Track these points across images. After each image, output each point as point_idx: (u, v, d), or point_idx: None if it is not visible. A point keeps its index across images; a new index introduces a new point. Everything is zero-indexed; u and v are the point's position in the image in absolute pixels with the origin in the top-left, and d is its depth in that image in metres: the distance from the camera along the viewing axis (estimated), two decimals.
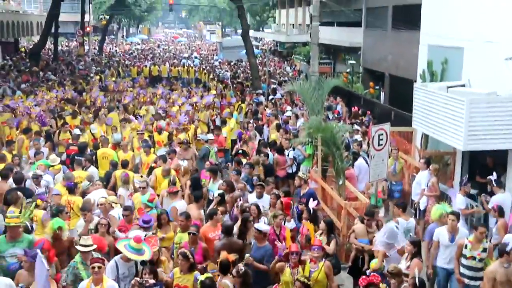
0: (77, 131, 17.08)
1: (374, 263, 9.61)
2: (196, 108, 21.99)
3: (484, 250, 9.41)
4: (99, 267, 7.80)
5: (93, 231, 9.94)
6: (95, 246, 8.65)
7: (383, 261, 9.70)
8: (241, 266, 8.18)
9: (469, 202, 12.12)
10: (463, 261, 9.52)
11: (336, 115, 21.17)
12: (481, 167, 13.31)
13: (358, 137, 16.66)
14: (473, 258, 9.39)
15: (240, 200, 11.44)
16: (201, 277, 7.92)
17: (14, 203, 10.53)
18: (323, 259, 8.88)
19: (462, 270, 9.58)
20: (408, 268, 8.89)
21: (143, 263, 8.25)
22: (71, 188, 11.67)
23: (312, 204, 11.41)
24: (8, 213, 9.58)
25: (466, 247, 9.45)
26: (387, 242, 9.74)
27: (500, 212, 10.82)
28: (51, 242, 9.28)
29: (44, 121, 18.84)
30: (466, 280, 9.55)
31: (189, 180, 13.45)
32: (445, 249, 9.92)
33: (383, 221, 11.03)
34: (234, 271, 8.10)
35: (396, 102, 23.28)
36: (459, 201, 11.88)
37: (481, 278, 9.24)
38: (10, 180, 12.20)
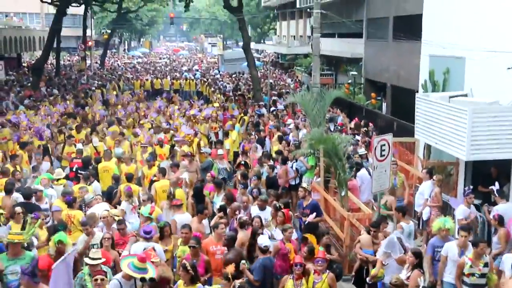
0: (79, 146, 17.08)
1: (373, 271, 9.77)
2: (195, 120, 22.00)
3: (486, 265, 9.21)
4: (102, 279, 7.95)
5: (96, 245, 9.90)
6: (103, 260, 8.68)
7: (382, 269, 9.77)
8: (237, 283, 8.14)
9: (469, 213, 11.89)
10: (464, 279, 9.30)
11: (339, 127, 21.09)
12: (484, 177, 13.25)
13: (362, 150, 16.55)
14: (472, 274, 9.17)
15: (239, 212, 11.41)
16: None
17: (12, 217, 10.54)
18: (327, 271, 8.83)
19: None
20: (408, 279, 8.84)
21: (142, 279, 8.17)
22: (70, 203, 11.64)
23: (310, 217, 11.41)
24: (11, 229, 9.56)
25: (466, 264, 9.24)
26: (384, 251, 9.78)
27: (500, 221, 10.76)
28: (54, 257, 9.23)
29: (41, 135, 18.85)
30: None
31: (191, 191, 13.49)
32: (454, 264, 9.59)
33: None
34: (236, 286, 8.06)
35: (398, 112, 23.26)
36: (459, 212, 11.80)
37: None
38: (14, 194, 12.17)
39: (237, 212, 11.48)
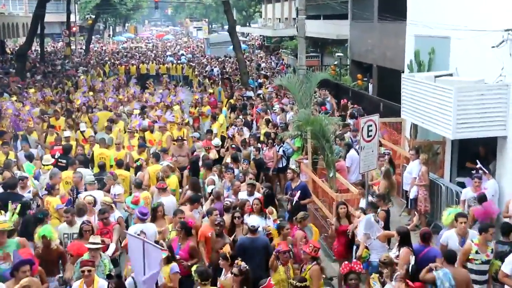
0: (67, 133, 16.91)
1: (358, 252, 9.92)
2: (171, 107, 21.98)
3: (492, 251, 9.03)
4: (89, 270, 7.84)
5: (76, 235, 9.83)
6: (102, 246, 8.75)
7: (366, 250, 9.88)
8: (243, 264, 8.10)
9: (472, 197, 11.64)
10: (470, 265, 9.01)
11: (324, 112, 21.11)
12: (471, 156, 13.35)
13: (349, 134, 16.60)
14: (478, 260, 8.97)
15: (224, 196, 11.42)
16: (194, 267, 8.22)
17: None
18: (313, 263, 8.77)
19: (471, 276, 8.83)
20: (397, 257, 8.93)
21: (109, 276, 7.84)
22: (49, 189, 11.58)
23: (297, 196, 11.44)
24: None
25: (476, 252, 8.98)
26: (364, 232, 9.87)
27: (480, 199, 10.78)
28: (40, 251, 9.18)
29: (17, 125, 18.69)
30: (476, 286, 9.00)
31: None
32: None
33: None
34: (235, 270, 8.04)
35: (384, 93, 23.33)
36: (463, 194, 11.74)
37: (486, 281, 9.07)
38: None
39: (224, 197, 11.52)
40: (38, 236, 9.23)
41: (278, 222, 9.95)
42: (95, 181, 12.27)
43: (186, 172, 14.15)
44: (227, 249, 8.79)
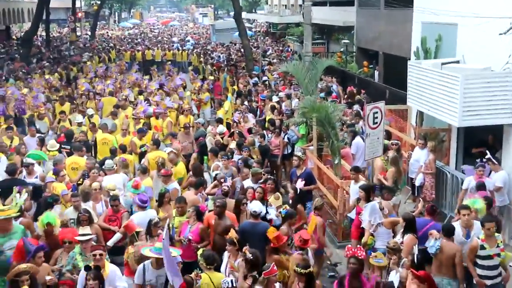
0: (79, 118, 16.89)
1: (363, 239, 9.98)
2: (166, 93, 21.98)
3: (501, 243, 8.76)
4: (100, 254, 7.86)
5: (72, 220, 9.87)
6: (92, 236, 8.65)
7: (372, 237, 9.91)
8: (248, 254, 8.02)
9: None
10: (480, 261, 8.72)
11: (332, 100, 21.04)
12: (477, 144, 13.33)
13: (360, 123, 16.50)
14: (490, 257, 8.63)
15: (224, 181, 11.44)
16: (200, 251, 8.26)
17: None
18: (296, 251, 8.77)
19: (480, 271, 8.75)
20: (401, 244, 8.95)
21: (87, 268, 7.51)
22: (57, 173, 11.56)
23: (299, 184, 11.43)
24: None
25: (482, 247, 8.65)
26: (369, 219, 9.92)
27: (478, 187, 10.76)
28: (41, 237, 9.17)
29: (22, 109, 18.72)
30: (489, 282, 8.75)
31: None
32: (461, 246, 8.94)
33: None
34: (243, 256, 8.06)
35: (390, 80, 23.23)
36: (465, 183, 11.68)
37: (499, 274, 8.81)
38: None
39: (222, 181, 11.52)
40: (42, 223, 9.15)
41: (288, 209, 9.91)
42: (114, 167, 12.34)
43: (194, 155, 14.29)
44: (233, 234, 8.80)
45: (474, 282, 8.89)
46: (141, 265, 7.80)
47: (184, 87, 25.00)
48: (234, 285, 7.27)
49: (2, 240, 8.73)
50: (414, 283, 7.56)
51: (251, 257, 7.86)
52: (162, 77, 27.57)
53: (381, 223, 9.89)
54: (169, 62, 36.57)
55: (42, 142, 14.45)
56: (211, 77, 28.00)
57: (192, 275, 7.73)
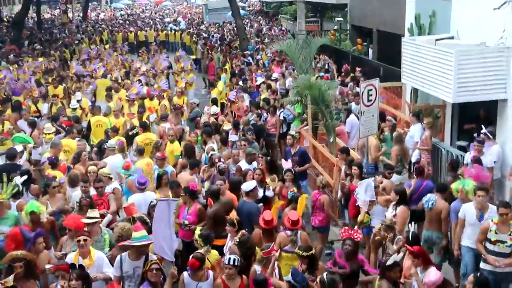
0: (74, 103, 16.75)
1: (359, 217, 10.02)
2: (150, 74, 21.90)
3: None
4: (85, 240, 7.74)
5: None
6: (98, 219, 8.59)
7: (367, 215, 9.98)
8: (236, 237, 8.14)
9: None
10: (488, 245, 8.41)
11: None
12: (471, 119, 13.32)
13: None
14: (501, 242, 8.26)
15: (219, 161, 11.40)
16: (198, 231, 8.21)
17: None
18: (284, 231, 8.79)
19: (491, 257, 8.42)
20: (395, 216, 8.99)
21: (73, 266, 7.31)
22: (53, 163, 11.40)
23: (285, 164, 11.42)
24: None
25: (491, 230, 8.32)
26: (364, 198, 9.93)
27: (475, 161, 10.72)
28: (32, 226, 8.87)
29: (15, 91, 18.61)
30: (498, 269, 8.37)
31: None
32: (473, 228, 8.79)
33: None
34: (236, 240, 8.10)
35: (384, 57, 23.15)
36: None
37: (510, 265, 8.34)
38: None
39: (217, 160, 11.46)
40: (26, 213, 8.78)
41: (295, 193, 9.92)
42: (115, 147, 12.32)
43: (193, 135, 13.97)
44: (234, 215, 8.82)
45: (483, 259, 8.53)
46: (118, 257, 7.60)
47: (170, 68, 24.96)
48: (236, 263, 7.25)
49: None
50: (409, 258, 7.64)
51: (237, 241, 7.96)
52: (157, 57, 27.46)
53: (375, 201, 9.91)
54: (153, 43, 36.19)
55: (33, 126, 14.34)
56: (195, 56, 27.75)
57: (203, 250, 7.80)
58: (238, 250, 7.92)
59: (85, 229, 8.21)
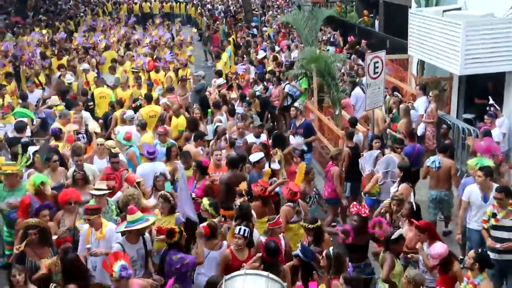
0: (69, 77, 16.59)
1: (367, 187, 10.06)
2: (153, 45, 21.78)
3: None
4: (89, 219, 7.71)
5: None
6: (108, 191, 8.62)
7: (377, 186, 10.02)
8: (238, 201, 8.24)
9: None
10: (492, 232, 7.97)
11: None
12: (478, 92, 13.21)
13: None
14: (500, 227, 7.85)
15: (225, 133, 11.40)
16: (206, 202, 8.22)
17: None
18: (287, 203, 8.80)
19: (491, 243, 7.99)
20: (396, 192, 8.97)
21: (65, 252, 7.18)
22: (56, 134, 11.42)
23: (293, 141, 11.38)
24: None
25: (494, 215, 7.89)
26: (384, 170, 9.90)
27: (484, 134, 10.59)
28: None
29: (30, 63, 18.59)
30: (505, 256, 7.86)
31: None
32: (478, 209, 8.49)
33: None
34: (237, 204, 8.16)
35: (391, 29, 22.92)
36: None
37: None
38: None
39: (224, 132, 11.46)
40: (34, 183, 8.76)
41: (306, 166, 9.92)
42: (134, 117, 12.35)
43: (197, 107, 14.08)
44: (243, 186, 8.84)
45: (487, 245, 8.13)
46: (117, 246, 7.33)
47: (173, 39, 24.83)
48: (246, 234, 7.27)
49: (4, 194, 8.94)
50: (412, 232, 7.63)
51: (237, 205, 8.03)
52: (157, 30, 27.22)
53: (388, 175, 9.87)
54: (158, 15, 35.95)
55: (22, 98, 14.27)
56: (194, 30, 27.43)
57: (216, 220, 7.84)
58: (235, 212, 8.00)
59: (92, 201, 8.30)
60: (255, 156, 9.92)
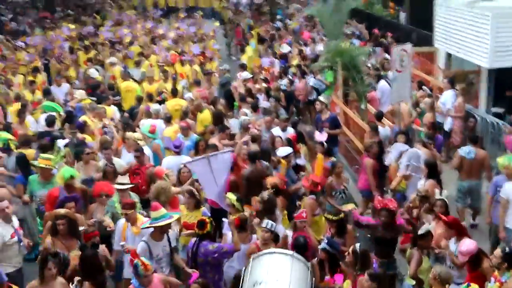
0: (93, 71, 16.78)
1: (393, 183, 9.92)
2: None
3: None
4: (126, 214, 7.74)
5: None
6: (131, 185, 8.67)
7: (404, 182, 9.85)
8: (265, 193, 8.17)
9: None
10: None
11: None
12: (509, 85, 12.97)
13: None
14: None
15: (250, 127, 11.39)
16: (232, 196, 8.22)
17: (23, 144, 10.66)
18: (309, 196, 8.83)
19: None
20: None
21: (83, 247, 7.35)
22: (81, 127, 11.51)
23: (319, 137, 11.30)
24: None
25: None
26: (407, 163, 9.75)
27: None
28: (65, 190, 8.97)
29: (59, 58, 18.79)
30: None
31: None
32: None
33: None
34: (258, 198, 8.12)
35: (417, 22, 22.65)
36: None
37: None
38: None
39: (250, 126, 11.45)
40: (64, 177, 8.81)
41: (332, 161, 9.90)
42: (159, 111, 12.42)
43: (222, 101, 14.14)
44: (272, 180, 8.81)
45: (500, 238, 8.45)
46: (142, 244, 7.23)
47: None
48: (273, 228, 7.26)
49: (38, 187, 9.17)
50: (441, 228, 7.53)
51: (265, 197, 7.97)
52: (181, 24, 27.29)
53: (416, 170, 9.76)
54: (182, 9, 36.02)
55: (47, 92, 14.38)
56: (217, 23, 27.36)
57: (247, 213, 7.87)
58: (259, 205, 7.98)
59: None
60: (283, 151, 9.88)
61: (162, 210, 7.40)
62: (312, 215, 8.48)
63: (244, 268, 5.82)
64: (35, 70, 16.84)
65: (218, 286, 7.21)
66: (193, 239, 7.38)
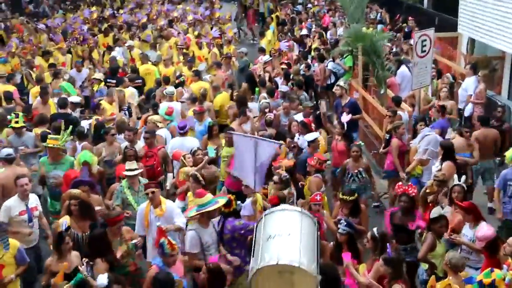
0: (115, 53, 16.79)
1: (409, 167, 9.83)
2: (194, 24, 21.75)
3: None
4: (153, 192, 7.66)
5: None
6: (140, 171, 8.62)
7: (420, 167, 9.76)
8: (284, 173, 8.39)
9: None
10: None
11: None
12: None
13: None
14: None
15: (267, 110, 11.36)
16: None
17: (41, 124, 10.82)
18: (315, 174, 8.91)
19: None
20: (439, 171, 8.72)
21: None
22: (95, 109, 11.57)
23: (345, 118, 11.19)
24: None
25: None
26: (425, 148, 9.67)
27: None
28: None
29: (84, 40, 18.78)
30: None
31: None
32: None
33: None
34: (276, 178, 8.32)
35: (440, 6, 22.31)
36: None
37: None
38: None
39: (266, 110, 11.43)
40: (79, 162, 9.01)
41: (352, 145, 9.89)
42: (173, 93, 12.43)
43: (244, 85, 14.11)
44: (287, 163, 8.93)
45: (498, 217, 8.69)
46: (192, 233, 7.15)
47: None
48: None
49: (49, 167, 9.19)
50: (459, 213, 7.42)
51: (284, 176, 8.25)
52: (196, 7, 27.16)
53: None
54: None
55: (55, 75, 14.31)
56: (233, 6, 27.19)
57: (286, 192, 8.07)
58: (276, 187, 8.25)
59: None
60: (310, 136, 9.84)
61: (208, 196, 7.44)
62: None
63: (256, 224, 5.95)
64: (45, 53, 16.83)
65: (245, 262, 7.27)
66: (217, 218, 7.51)
